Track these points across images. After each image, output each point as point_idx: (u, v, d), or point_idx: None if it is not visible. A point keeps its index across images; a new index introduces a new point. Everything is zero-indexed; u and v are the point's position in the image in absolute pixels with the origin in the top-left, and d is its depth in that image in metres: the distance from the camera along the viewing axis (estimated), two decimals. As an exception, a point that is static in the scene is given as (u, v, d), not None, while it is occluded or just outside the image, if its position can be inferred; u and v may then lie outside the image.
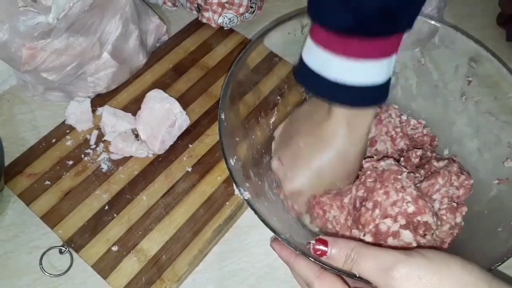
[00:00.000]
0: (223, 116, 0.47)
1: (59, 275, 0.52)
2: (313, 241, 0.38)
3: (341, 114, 0.45)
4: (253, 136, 0.53)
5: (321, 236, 0.38)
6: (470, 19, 0.80)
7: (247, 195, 0.43)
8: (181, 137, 0.62)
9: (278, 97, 0.58)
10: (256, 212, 0.41)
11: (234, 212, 0.56)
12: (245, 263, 0.54)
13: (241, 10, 0.73)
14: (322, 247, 0.37)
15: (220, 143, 0.46)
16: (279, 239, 0.40)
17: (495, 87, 0.51)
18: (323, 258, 0.37)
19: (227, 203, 0.57)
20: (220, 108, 0.48)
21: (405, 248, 0.37)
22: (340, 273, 0.38)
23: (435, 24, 0.55)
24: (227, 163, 0.44)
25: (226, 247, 0.55)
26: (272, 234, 0.40)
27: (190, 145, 0.62)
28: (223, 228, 0.55)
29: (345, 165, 0.48)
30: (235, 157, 0.46)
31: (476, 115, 0.53)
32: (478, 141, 0.53)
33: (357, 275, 0.36)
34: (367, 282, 0.36)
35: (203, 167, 0.60)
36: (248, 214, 0.58)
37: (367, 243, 0.41)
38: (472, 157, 0.53)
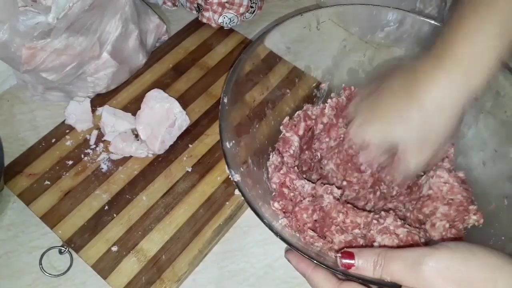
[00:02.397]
0: (225, 100, 0.48)
1: (59, 275, 0.52)
2: (338, 255, 0.38)
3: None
4: (257, 126, 0.53)
5: (345, 249, 0.38)
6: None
7: (237, 177, 0.44)
8: (181, 137, 0.62)
9: (288, 90, 0.57)
10: (243, 195, 0.42)
11: (234, 212, 0.56)
12: (245, 263, 0.54)
13: (242, 10, 0.73)
14: (348, 261, 0.37)
15: (219, 125, 0.46)
16: (294, 250, 0.40)
17: (503, 96, 0.50)
18: (351, 270, 0.37)
19: (227, 203, 0.57)
20: (224, 92, 0.48)
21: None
22: (367, 283, 0.38)
23: (436, 24, 0.54)
24: (222, 144, 0.45)
25: (226, 247, 0.55)
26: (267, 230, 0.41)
27: (190, 145, 0.62)
28: (223, 228, 0.55)
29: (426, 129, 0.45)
30: (233, 141, 0.46)
31: (484, 127, 0.52)
32: (484, 154, 0.52)
33: (388, 279, 0.36)
34: (395, 285, 0.36)
35: (203, 167, 0.60)
36: (248, 214, 0.58)
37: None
38: (476, 169, 0.52)
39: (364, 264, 0.37)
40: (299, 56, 0.58)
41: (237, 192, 0.57)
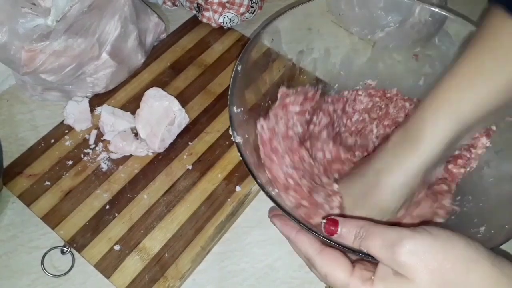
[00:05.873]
0: (239, 68, 0.48)
1: (61, 275, 0.52)
2: (324, 221, 0.39)
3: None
4: (269, 101, 0.54)
5: (332, 217, 0.40)
6: (471, 18, 0.80)
7: (238, 139, 0.45)
8: (180, 135, 0.62)
9: (304, 70, 0.57)
10: (242, 156, 0.44)
11: (236, 209, 0.56)
12: (245, 264, 0.54)
13: (242, 10, 0.73)
14: (333, 228, 0.39)
15: (229, 90, 0.47)
16: (280, 213, 0.41)
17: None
18: (334, 237, 0.39)
19: (228, 200, 0.57)
20: (240, 60, 0.48)
21: (412, 225, 0.38)
22: (348, 250, 0.39)
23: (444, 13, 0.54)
24: (229, 108, 0.46)
25: (226, 247, 0.55)
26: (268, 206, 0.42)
27: (190, 143, 0.62)
28: (225, 225, 0.55)
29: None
30: (241, 108, 0.47)
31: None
32: (489, 154, 0.52)
33: (365, 251, 0.37)
34: (373, 258, 0.36)
35: (204, 164, 0.60)
36: (249, 213, 0.58)
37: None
38: (482, 168, 0.53)
39: (346, 234, 0.38)
40: (320, 38, 0.57)
41: (238, 188, 0.57)
